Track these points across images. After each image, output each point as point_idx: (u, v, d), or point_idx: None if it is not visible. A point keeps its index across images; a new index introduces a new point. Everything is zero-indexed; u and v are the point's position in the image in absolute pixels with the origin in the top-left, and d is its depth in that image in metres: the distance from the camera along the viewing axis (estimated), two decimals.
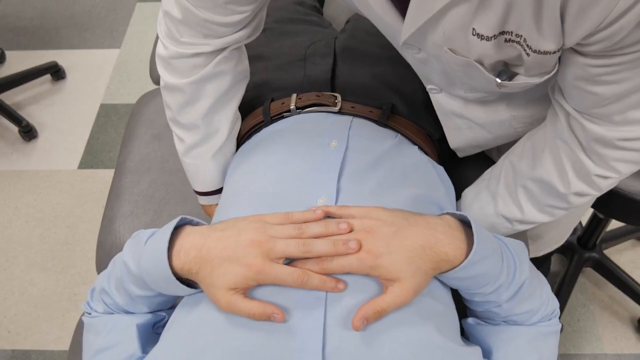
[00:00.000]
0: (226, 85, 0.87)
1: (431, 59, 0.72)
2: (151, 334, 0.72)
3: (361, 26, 1.07)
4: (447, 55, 0.66)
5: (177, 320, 0.67)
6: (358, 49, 1.00)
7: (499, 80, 0.66)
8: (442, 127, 0.93)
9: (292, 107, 0.89)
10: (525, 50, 0.60)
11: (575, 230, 1.70)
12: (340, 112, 0.88)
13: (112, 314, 0.74)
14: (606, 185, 0.74)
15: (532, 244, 1.20)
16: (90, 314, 0.76)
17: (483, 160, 0.95)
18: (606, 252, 1.66)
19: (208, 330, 0.62)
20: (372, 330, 0.60)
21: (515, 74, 0.67)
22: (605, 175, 0.72)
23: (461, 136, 0.91)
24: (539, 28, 0.56)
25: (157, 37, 1.41)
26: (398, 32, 0.68)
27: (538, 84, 0.67)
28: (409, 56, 0.76)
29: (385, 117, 0.88)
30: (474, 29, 0.60)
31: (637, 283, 1.60)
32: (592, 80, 0.61)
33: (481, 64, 0.65)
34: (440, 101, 0.86)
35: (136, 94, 2.16)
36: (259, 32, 0.88)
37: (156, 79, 1.38)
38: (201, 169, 0.92)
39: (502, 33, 0.59)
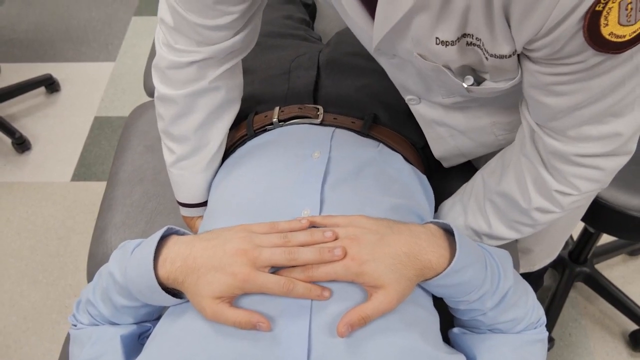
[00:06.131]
0: (219, 101, 0.88)
1: (406, 64, 0.74)
2: (136, 344, 0.72)
3: (345, 39, 1.08)
4: (417, 60, 0.68)
5: (162, 330, 0.67)
6: (341, 62, 1.01)
7: (465, 85, 0.69)
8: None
9: (274, 119, 0.90)
10: (484, 54, 0.62)
11: (566, 244, 1.71)
12: (322, 124, 0.89)
13: (97, 325, 0.74)
14: (567, 203, 0.75)
15: (523, 258, 1.20)
16: (75, 325, 0.75)
17: (471, 170, 0.95)
18: (597, 266, 1.66)
19: (193, 339, 0.62)
20: (356, 337, 0.60)
21: (483, 80, 0.69)
22: (565, 192, 0.73)
23: (445, 145, 0.92)
24: (492, 32, 0.59)
25: (152, 50, 1.42)
26: (370, 36, 0.70)
27: (506, 90, 0.68)
28: (385, 62, 0.77)
29: (367, 127, 0.89)
30: (437, 38, 0.62)
31: (628, 298, 1.60)
32: (543, 89, 0.63)
33: (448, 69, 0.67)
34: (421, 111, 0.87)
35: (130, 107, 2.16)
36: (253, 44, 0.88)
37: (150, 92, 1.39)
38: (188, 181, 0.92)
39: (464, 35, 0.61)
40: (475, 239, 0.87)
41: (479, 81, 0.69)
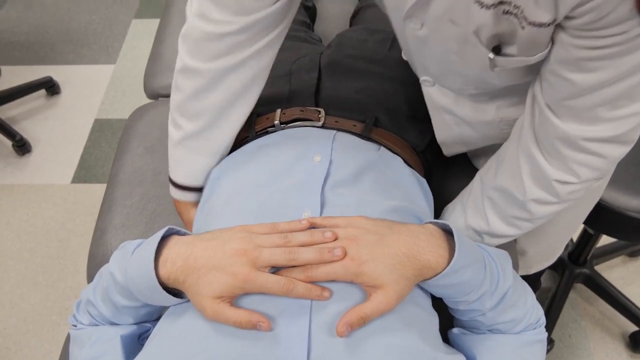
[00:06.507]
0: (246, 82, 0.86)
1: (430, 39, 0.73)
2: (136, 345, 0.72)
3: (346, 41, 1.08)
4: (446, 28, 0.67)
5: (162, 330, 0.67)
6: (342, 64, 1.01)
7: (491, 56, 0.68)
8: (426, 139, 0.95)
9: (276, 122, 0.90)
10: (521, 23, 0.61)
11: (566, 246, 1.71)
12: (323, 127, 0.89)
13: (97, 325, 0.74)
14: (565, 193, 0.75)
15: (519, 260, 1.20)
16: (75, 326, 0.76)
17: (471, 174, 0.96)
18: (597, 268, 1.66)
19: (193, 339, 0.62)
20: (356, 337, 0.60)
21: (508, 56, 0.68)
22: (564, 180, 0.73)
23: (449, 131, 0.92)
24: None
25: (152, 53, 1.43)
26: (404, 1, 0.69)
27: (531, 64, 0.68)
28: (410, 34, 0.76)
29: (368, 131, 0.89)
30: None
31: (628, 299, 1.60)
32: (571, 64, 0.63)
33: (477, 37, 0.66)
34: (432, 95, 0.87)
35: (130, 109, 2.14)
36: (288, 19, 0.86)
37: (150, 94, 1.39)
38: (190, 162, 0.90)
39: (502, 3, 0.61)
40: (476, 239, 0.87)
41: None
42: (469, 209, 0.87)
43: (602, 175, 0.74)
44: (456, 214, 0.90)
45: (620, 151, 0.71)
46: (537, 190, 0.76)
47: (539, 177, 0.75)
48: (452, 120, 0.89)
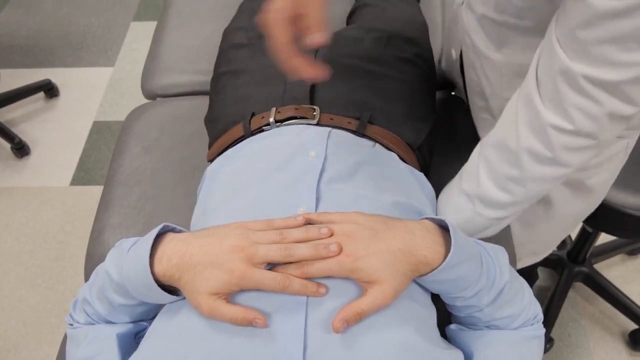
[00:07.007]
0: None
1: None
2: (132, 343, 0.72)
3: (342, 40, 1.08)
4: None
5: (158, 328, 0.67)
6: (338, 62, 1.01)
7: None
8: (422, 136, 0.95)
9: (271, 120, 0.90)
10: None
11: (564, 244, 1.71)
12: (318, 124, 0.89)
13: (94, 324, 0.74)
14: (560, 145, 0.73)
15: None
16: (72, 325, 0.76)
17: None
18: (596, 266, 1.66)
19: (189, 336, 0.62)
20: (352, 333, 0.60)
21: None
22: (558, 125, 0.71)
23: (465, 49, 0.96)
24: None
25: (149, 52, 1.43)
26: None
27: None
28: None
29: (363, 127, 0.89)
30: None
31: (627, 297, 1.60)
32: None
33: None
34: (458, 15, 0.92)
35: (129, 111, 2.17)
36: None
37: (148, 94, 1.39)
38: None
39: None
40: (469, 207, 0.86)
41: None
42: (464, 173, 0.87)
43: (597, 132, 0.71)
44: (453, 182, 0.90)
45: (619, 107, 0.68)
46: (531, 138, 0.74)
47: (534, 124, 0.74)
48: (469, 42, 0.92)
